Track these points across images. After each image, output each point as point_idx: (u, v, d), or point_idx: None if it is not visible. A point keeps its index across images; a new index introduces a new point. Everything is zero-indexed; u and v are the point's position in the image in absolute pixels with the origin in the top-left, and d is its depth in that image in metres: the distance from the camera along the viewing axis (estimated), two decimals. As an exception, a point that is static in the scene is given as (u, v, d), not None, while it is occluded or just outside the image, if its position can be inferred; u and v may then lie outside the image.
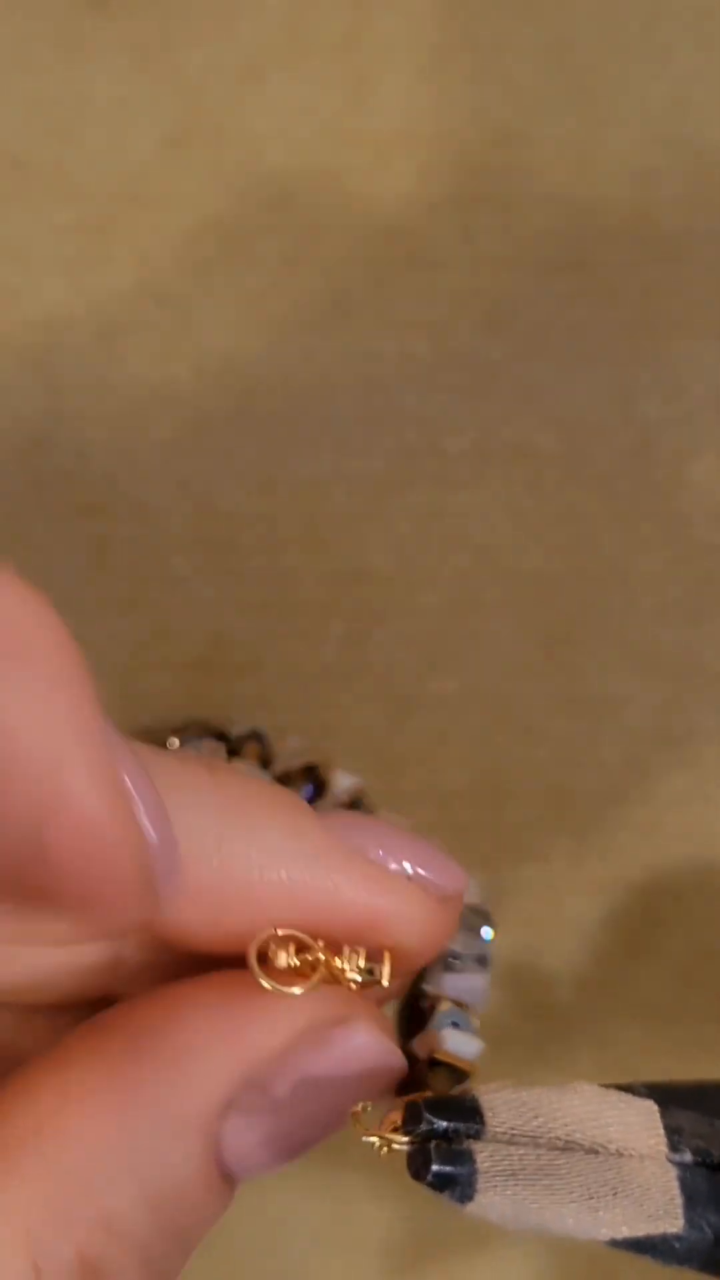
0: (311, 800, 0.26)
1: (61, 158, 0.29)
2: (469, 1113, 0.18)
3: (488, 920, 0.22)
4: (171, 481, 0.29)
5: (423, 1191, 0.18)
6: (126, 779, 0.16)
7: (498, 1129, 0.18)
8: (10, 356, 0.29)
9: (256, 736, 0.28)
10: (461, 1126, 0.18)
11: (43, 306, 0.29)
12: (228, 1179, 0.16)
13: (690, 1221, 0.17)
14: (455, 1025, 0.21)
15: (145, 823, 0.16)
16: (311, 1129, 0.17)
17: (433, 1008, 0.21)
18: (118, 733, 0.16)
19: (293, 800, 0.18)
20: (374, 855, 0.18)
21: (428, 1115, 0.18)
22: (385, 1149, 0.18)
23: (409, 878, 0.19)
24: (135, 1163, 0.16)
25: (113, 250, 0.29)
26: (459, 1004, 0.21)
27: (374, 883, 0.18)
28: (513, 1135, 0.18)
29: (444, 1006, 0.21)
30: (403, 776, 0.30)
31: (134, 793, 0.16)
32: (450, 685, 0.30)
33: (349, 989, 0.19)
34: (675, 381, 0.28)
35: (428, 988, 0.21)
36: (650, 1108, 0.18)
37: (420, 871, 0.19)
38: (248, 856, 0.17)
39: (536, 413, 0.28)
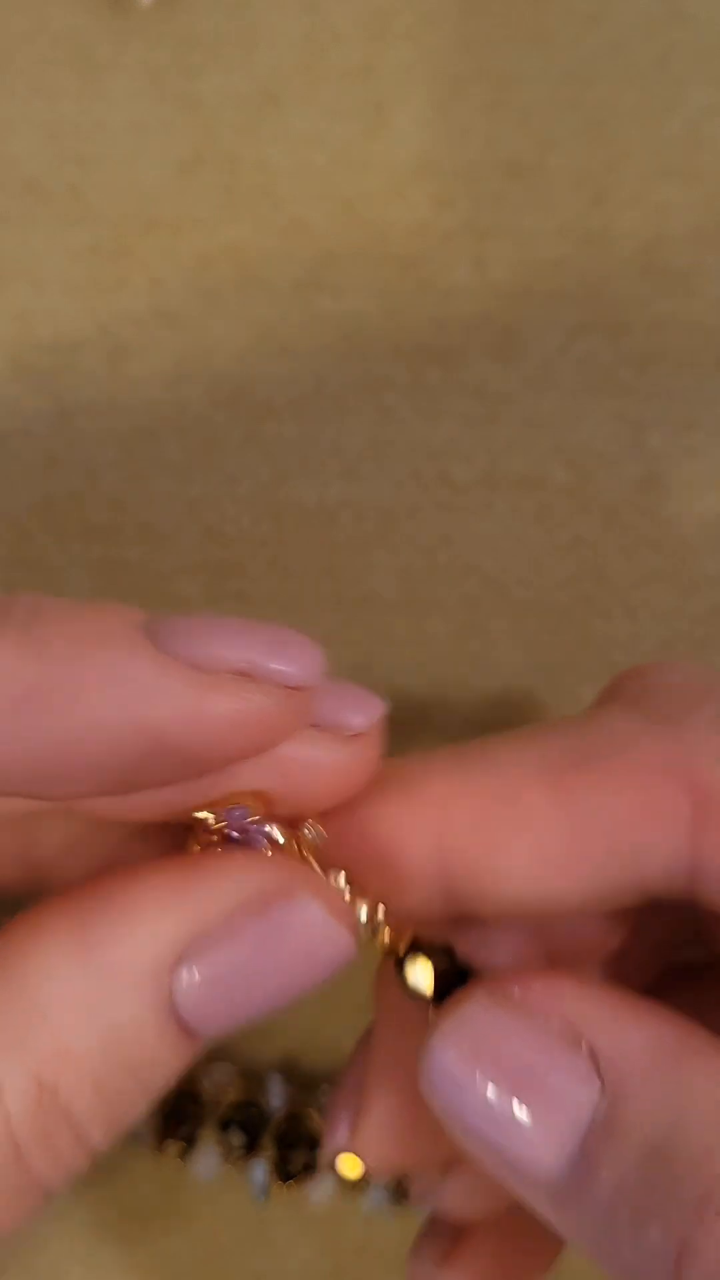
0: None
1: (76, 181, 0.30)
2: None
3: None
4: (180, 504, 0.29)
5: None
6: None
7: None
8: (21, 377, 0.29)
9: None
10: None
11: (54, 328, 0.29)
12: (187, 1033, 0.19)
13: None
14: None
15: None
16: (262, 994, 0.19)
17: None
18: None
19: (116, 628, 0.20)
20: (204, 658, 0.20)
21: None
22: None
23: (244, 677, 0.20)
24: (92, 1003, 0.18)
25: (125, 273, 0.29)
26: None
27: (207, 692, 0.19)
28: None
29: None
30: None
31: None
32: (455, 713, 0.30)
33: (303, 862, 0.21)
34: (685, 414, 0.29)
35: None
36: None
37: (269, 665, 0.20)
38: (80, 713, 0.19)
39: (546, 443, 0.29)
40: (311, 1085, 0.33)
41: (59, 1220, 0.31)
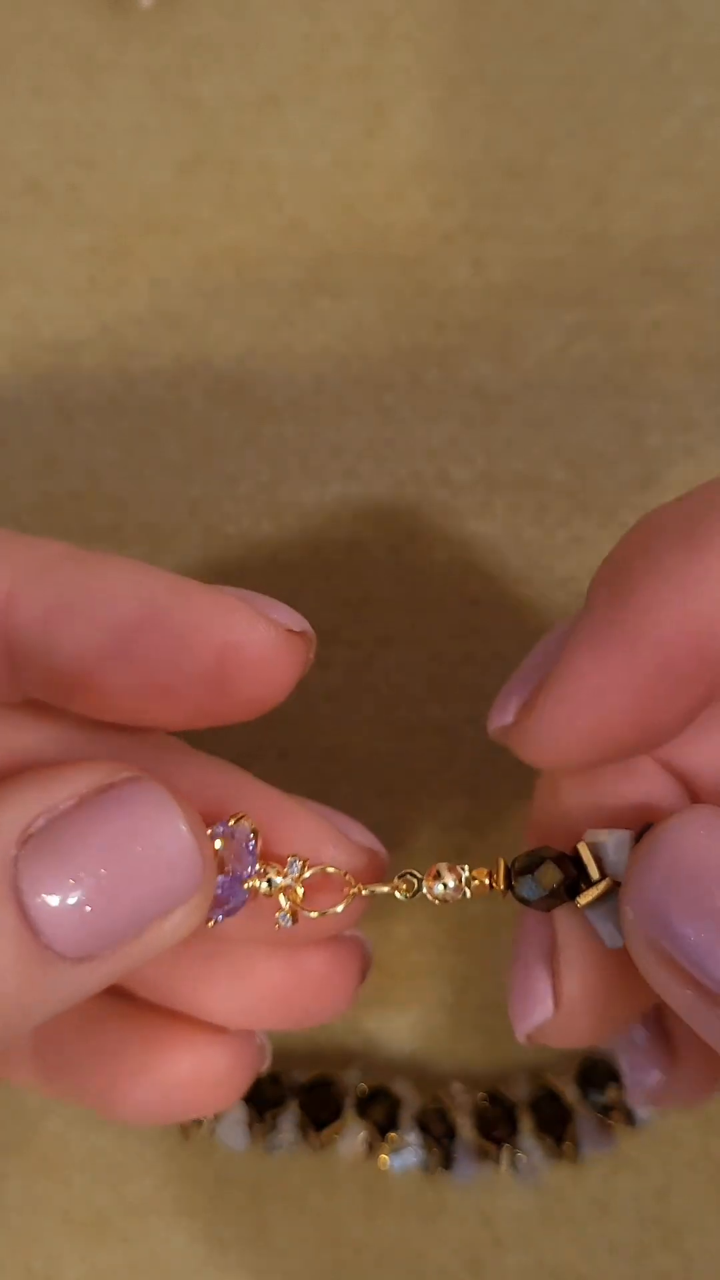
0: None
1: (77, 182, 0.30)
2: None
3: None
4: (181, 504, 0.30)
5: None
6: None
7: None
8: (23, 377, 0.30)
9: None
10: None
11: (56, 328, 0.30)
12: (51, 953, 0.18)
13: None
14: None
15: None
16: (121, 905, 0.19)
17: None
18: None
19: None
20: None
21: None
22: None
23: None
24: None
25: (126, 274, 0.30)
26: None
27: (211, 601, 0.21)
28: None
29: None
30: (405, 801, 0.30)
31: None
32: (454, 711, 0.30)
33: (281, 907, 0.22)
34: (684, 414, 0.29)
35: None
36: None
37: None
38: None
39: (545, 443, 0.29)
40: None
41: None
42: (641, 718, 0.20)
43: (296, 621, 0.22)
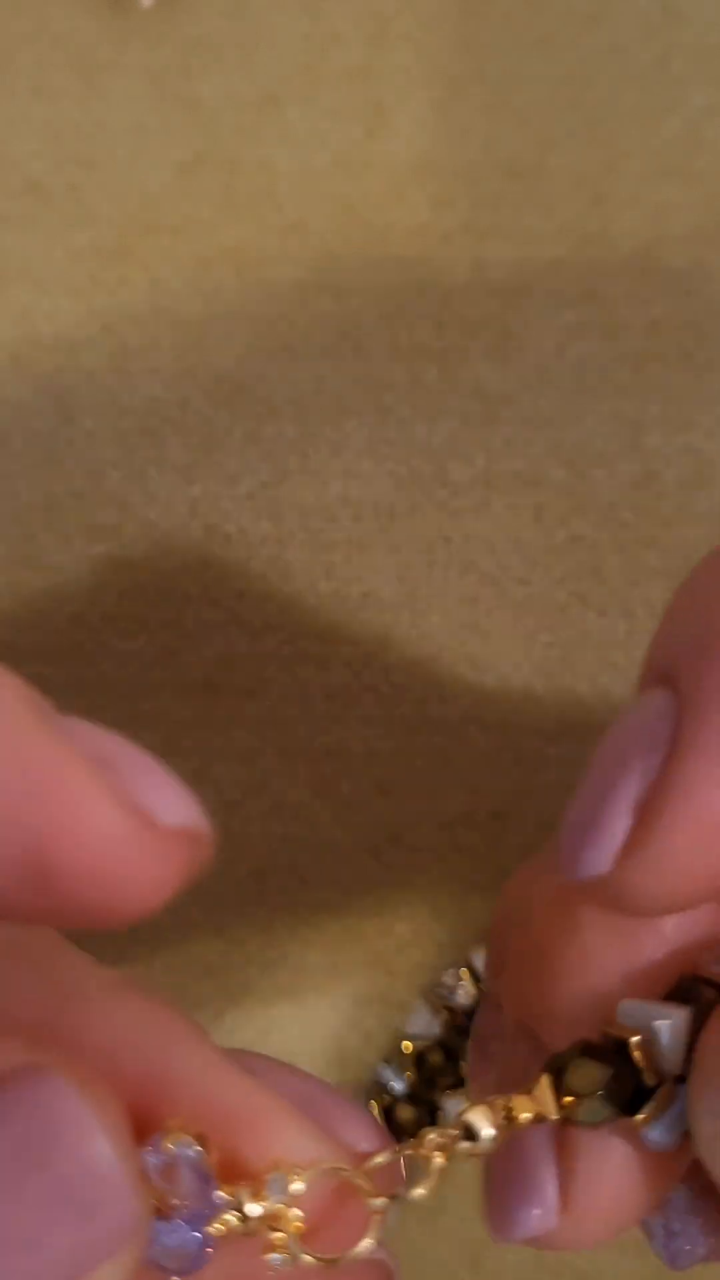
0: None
1: (77, 182, 0.30)
2: None
3: None
4: (181, 503, 0.30)
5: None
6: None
7: None
8: (23, 377, 0.30)
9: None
10: None
11: (56, 328, 0.30)
12: None
13: None
14: None
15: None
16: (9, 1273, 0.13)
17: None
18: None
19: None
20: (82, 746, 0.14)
21: None
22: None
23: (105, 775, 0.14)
24: None
25: (127, 274, 0.30)
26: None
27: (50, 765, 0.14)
28: None
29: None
30: (404, 800, 0.30)
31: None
32: (453, 709, 0.30)
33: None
34: (682, 414, 0.29)
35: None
36: None
37: (145, 792, 0.15)
38: None
39: (544, 442, 0.29)
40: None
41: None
42: None
43: (178, 811, 0.15)
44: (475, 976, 0.31)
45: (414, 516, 0.32)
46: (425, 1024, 0.31)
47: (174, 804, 0.15)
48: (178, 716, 0.31)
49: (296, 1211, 0.15)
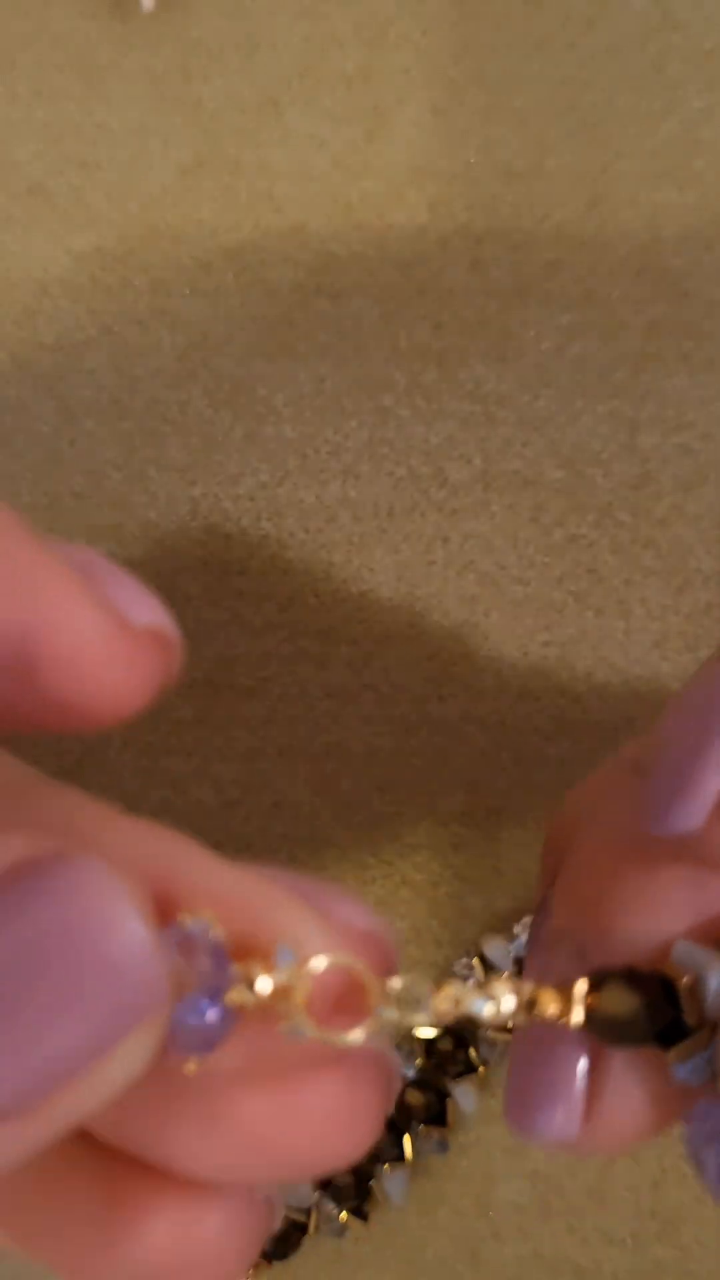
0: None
1: (79, 184, 0.30)
2: None
3: None
4: (182, 504, 0.30)
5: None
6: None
7: None
8: (25, 378, 0.30)
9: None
10: None
11: (58, 329, 0.30)
12: None
13: None
14: None
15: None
16: (47, 1039, 0.13)
17: None
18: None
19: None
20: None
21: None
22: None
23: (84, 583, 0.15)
24: None
25: (128, 275, 0.30)
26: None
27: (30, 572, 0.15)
28: None
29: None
30: (403, 797, 0.30)
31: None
32: (451, 708, 0.31)
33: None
34: (679, 415, 0.29)
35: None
36: None
37: (120, 598, 0.16)
38: None
39: (541, 443, 0.29)
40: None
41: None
42: None
43: (147, 613, 0.16)
44: (486, 965, 0.31)
45: (413, 516, 0.32)
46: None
47: (145, 608, 0.16)
48: (178, 715, 0.32)
49: (305, 984, 0.15)
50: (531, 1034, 0.18)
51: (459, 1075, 0.32)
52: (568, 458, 0.32)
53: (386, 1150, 0.31)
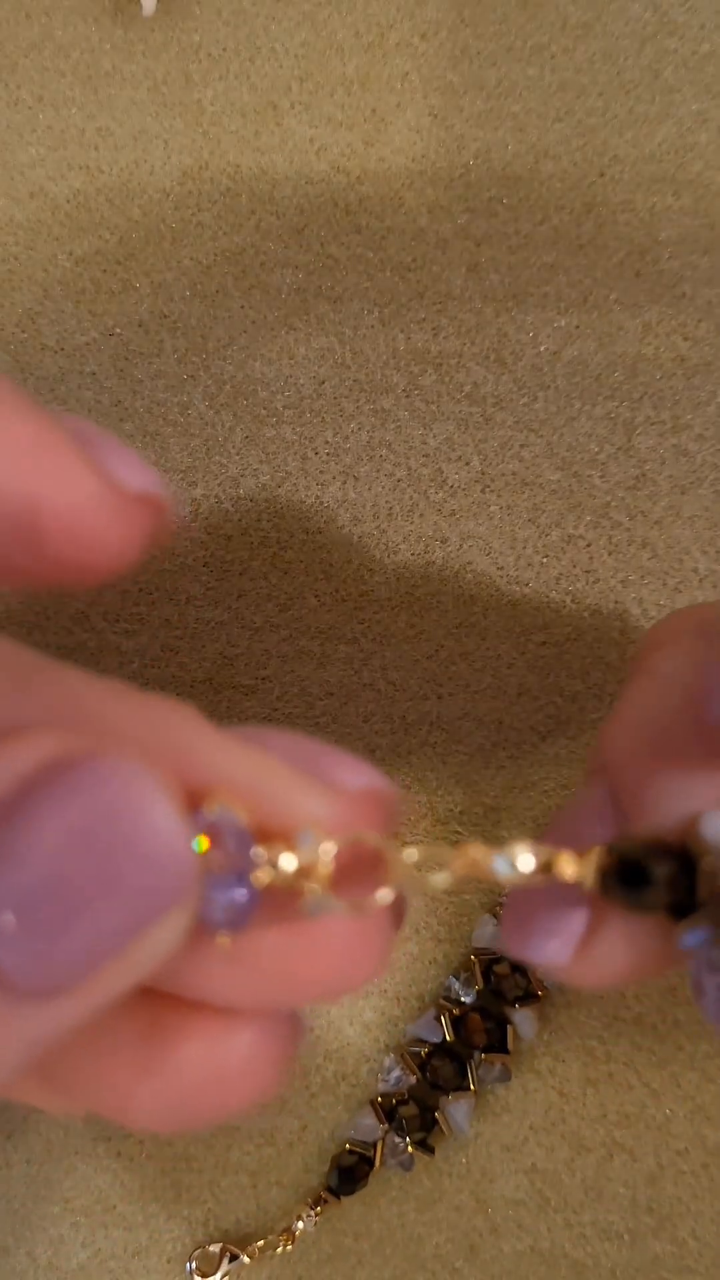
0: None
1: (81, 188, 0.30)
2: None
3: None
4: (184, 504, 0.30)
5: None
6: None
7: None
8: (27, 380, 0.30)
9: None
10: None
11: (60, 332, 0.30)
12: (6, 989, 0.15)
13: None
14: None
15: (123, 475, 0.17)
16: (90, 922, 0.15)
17: None
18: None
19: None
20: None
21: None
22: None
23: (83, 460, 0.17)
24: None
25: (130, 278, 0.30)
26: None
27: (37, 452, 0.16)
28: None
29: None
30: (402, 795, 0.30)
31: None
32: (450, 707, 0.31)
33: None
34: (674, 416, 0.29)
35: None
36: None
37: (115, 465, 0.17)
38: None
39: (539, 444, 0.30)
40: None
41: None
42: None
43: (140, 478, 0.17)
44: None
45: (411, 517, 0.32)
46: (491, 937, 0.32)
47: (139, 474, 0.17)
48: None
49: (326, 863, 0.16)
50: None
51: (519, 1001, 0.32)
52: (565, 459, 0.32)
53: (450, 1079, 0.31)
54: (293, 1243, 0.31)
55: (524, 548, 0.32)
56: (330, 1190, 0.32)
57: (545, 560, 0.32)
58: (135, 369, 0.33)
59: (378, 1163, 0.31)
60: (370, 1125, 0.32)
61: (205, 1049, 0.18)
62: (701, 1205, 0.30)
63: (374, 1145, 0.32)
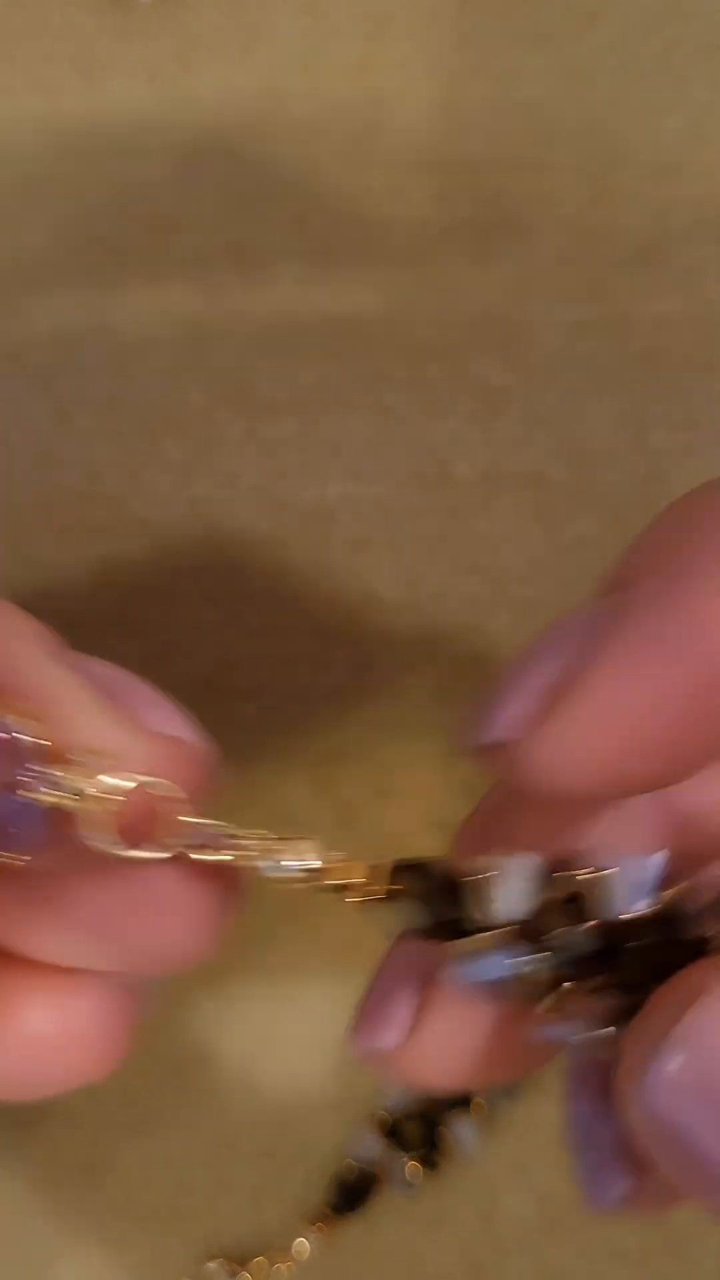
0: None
1: (77, 176, 0.30)
2: None
3: None
4: (181, 503, 0.30)
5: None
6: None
7: None
8: (21, 375, 0.30)
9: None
10: None
11: (54, 325, 0.29)
12: None
13: None
14: None
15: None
16: None
17: None
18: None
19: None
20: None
21: None
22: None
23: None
24: None
25: (126, 269, 0.29)
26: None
27: None
28: None
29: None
30: (405, 803, 0.30)
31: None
32: (456, 713, 0.30)
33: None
34: (686, 413, 0.29)
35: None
36: None
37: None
38: None
39: (547, 441, 0.29)
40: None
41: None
42: (674, 747, 0.16)
43: (169, 722, 0.18)
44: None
45: (416, 516, 0.32)
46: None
47: (166, 719, 0.17)
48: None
49: (110, 800, 0.15)
50: (382, 966, 0.18)
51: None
52: (574, 456, 0.32)
53: (455, 1095, 0.31)
54: (293, 1261, 0.31)
55: (532, 547, 0.32)
56: (332, 1208, 0.31)
57: (554, 560, 0.32)
58: (130, 363, 0.32)
59: (381, 1182, 0.31)
60: (373, 1142, 0.31)
61: (47, 1010, 0.17)
62: (711, 1224, 0.30)
63: (377, 1162, 0.31)
